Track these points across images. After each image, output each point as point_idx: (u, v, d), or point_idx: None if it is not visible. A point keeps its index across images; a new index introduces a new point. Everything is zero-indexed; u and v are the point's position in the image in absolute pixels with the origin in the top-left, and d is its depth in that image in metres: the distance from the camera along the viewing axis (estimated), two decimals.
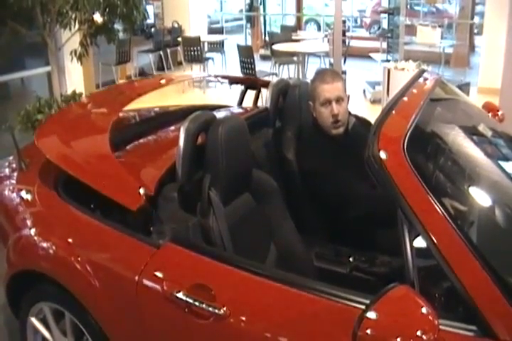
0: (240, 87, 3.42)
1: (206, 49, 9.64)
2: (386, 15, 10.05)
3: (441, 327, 1.26)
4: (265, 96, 2.94)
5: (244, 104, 3.38)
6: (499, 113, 2.76)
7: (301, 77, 8.08)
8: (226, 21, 14.12)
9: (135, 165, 2.29)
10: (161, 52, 9.71)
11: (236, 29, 14.43)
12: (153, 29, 10.00)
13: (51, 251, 2.04)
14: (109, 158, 2.14)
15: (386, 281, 1.36)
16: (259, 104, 3.41)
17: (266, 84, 3.33)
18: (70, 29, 4.95)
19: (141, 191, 1.92)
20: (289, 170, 2.56)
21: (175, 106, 3.56)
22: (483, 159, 2.09)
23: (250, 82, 3.46)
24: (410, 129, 1.68)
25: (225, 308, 1.59)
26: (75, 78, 6.13)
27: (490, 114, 2.70)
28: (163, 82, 3.37)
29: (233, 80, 3.78)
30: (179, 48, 9.38)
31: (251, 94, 3.38)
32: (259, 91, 3.34)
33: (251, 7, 12.97)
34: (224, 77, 4.17)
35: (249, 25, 13.29)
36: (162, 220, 1.94)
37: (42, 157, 2.32)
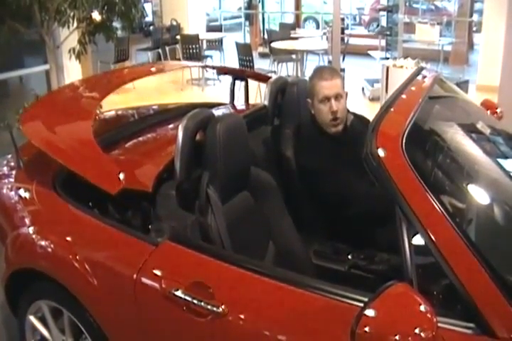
0: (239, 86, 3.40)
1: (205, 47, 9.62)
2: (385, 12, 10.00)
3: (439, 324, 1.26)
4: (263, 93, 2.93)
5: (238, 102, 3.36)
6: (498, 110, 2.76)
7: (299, 74, 8.08)
8: (225, 19, 14.11)
9: (133, 163, 2.29)
10: (160, 50, 9.70)
11: (235, 27, 14.38)
12: (151, 27, 9.98)
13: (49, 250, 2.03)
14: (91, 143, 2.13)
15: (385, 279, 1.36)
16: (256, 100, 3.39)
17: (254, 76, 3.32)
18: (69, 27, 4.95)
19: (121, 176, 1.92)
20: (287, 168, 2.56)
21: (173, 104, 3.55)
22: (482, 157, 2.08)
23: (238, 72, 3.44)
24: (408, 127, 1.67)
25: (223, 306, 1.59)
26: (73, 76, 6.10)
27: (488, 112, 2.70)
28: (153, 69, 3.36)
29: (221, 71, 3.76)
30: (178, 46, 9.36)
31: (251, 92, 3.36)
32: (247, 83, 3.31)
33: (250, 5, 12.95)
34: (213, 68, 4.16)
35: (247, 23, 13.26)
36: (160, 218, 1.94)
37: (40, 155, 2.32)
